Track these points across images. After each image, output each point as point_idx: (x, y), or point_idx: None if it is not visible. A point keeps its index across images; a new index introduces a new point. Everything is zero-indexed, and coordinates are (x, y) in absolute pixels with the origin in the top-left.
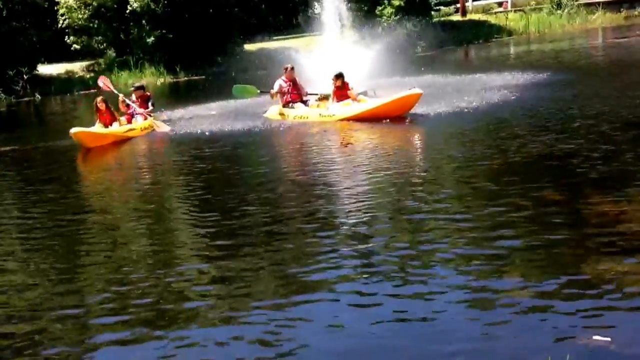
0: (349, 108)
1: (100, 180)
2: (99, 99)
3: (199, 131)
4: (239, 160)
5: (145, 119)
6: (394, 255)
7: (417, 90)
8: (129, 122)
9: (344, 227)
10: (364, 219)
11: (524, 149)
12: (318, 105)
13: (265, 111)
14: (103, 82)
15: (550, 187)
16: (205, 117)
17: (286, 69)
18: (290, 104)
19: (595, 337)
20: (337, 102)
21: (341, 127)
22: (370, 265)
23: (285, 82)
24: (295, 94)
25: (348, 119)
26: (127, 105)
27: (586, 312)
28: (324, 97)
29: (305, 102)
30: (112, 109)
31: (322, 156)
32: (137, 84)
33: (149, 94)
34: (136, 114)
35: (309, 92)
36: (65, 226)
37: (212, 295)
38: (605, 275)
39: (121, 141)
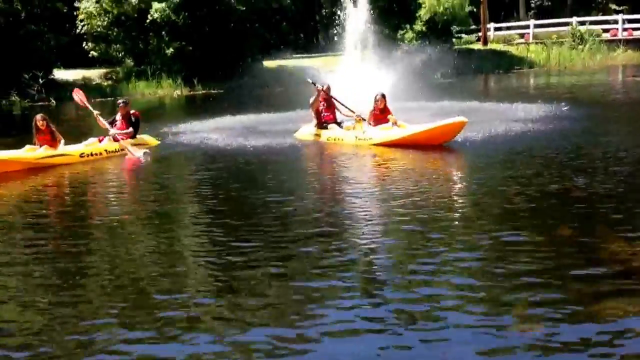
0: (388, 132)
1: (109, 189)
2: (38, 116)
3: (220, 145)
4: (257, 176)
5: (117, 140)
6: (404, 280)
7: (462, 118)
8: (100, 142)
9: (357, 248)
10: (377, 241)
11: (541, 182)
12: (354, 127)
13: (296, 130)
14: (78, 96)
15: (565, 222)
16: (226, 131)
17: (319, 90)
18: (325, 125)
19: None
20: (375, 125)
21: (375, 151)
22: (378, 285)
23: (320, 101)
24: (329, 114)
25: (385, 144)
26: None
27: (594, 349)
28: (360, 119)
29: (339, 124)
30: (54, 128)
31: (346, 178)
32: (121, 100)
33: (133, 112)
34: (109, 134)
35: (346, 107)
36: (73, 241)
37: (220, 310)
38: (616, 315)
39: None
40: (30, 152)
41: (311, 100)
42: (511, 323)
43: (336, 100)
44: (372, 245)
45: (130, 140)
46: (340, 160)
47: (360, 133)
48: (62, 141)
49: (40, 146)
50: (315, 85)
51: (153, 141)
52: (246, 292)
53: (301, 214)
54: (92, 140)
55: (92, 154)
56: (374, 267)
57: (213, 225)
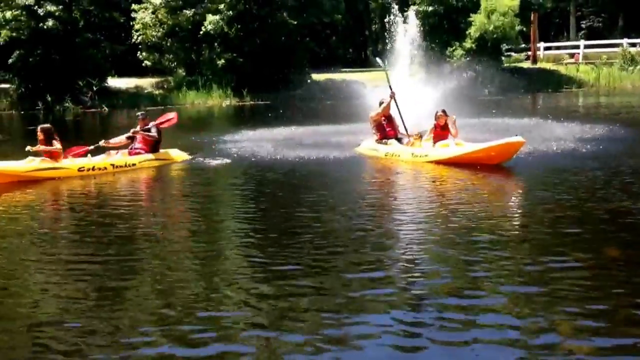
0: (445, 150)
1: (155, 197)
2: (40, 127)
3: (267, 156)
4: (304, 189)
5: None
6: (443, 300)
7: (519, 139)
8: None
9: (396, 267)
10: (418, 259)
11: (589, 203)
12: (412, 144)
13: (359, 144)
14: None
15: (612, 244)
16: (273, 142)
17: (381, 103)
18: (384, 140)
19: None
20: (435, 142)
21: (429, 169)
22: (416, 304)
23: (382, 117)
24: (390, 130)
25: (441, 162)
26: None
27: None
28: (419, 136)
29: (399, 140)
30: (56, 140)
31: (393, 195)
32: (140, 113)
33: (155, 122)
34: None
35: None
36: (113, 247)
37: (257, 321)
38: None
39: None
40: (25, 164)
41: (374, 113)
42: (555, 346)
43: (399, 112)
44: (412, 264)
45: (149, 156)
46: (391, 177)
47: (418, 150)
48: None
49: (39, 157)
50: (391, 90)
51: (181, 156)
52: (283, 307)
53: (342, 229)
54: (103, 156)
55: (93, 169)
56: (413, 285)
57: (255, 236)
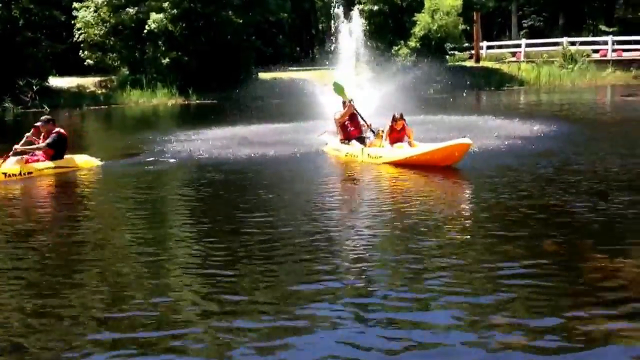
0: (399, 152)
1: (96, 199)
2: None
3: (212, 155)
4: (249, 188)
5: (28, 161)
6: (390, 290)
7: (467, 140)
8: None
9: (342, 261)
10: (363, 252)
11: (528, 199)
12: (372, 144)
13: (326, 144)
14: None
15: (550, 238)
16: (219, 141)
17: (344, 102)
18: (347, 140)
19: None
20: (392, 143)
21: (383, 170)
22: (365, 302)
23: (344, 119)
24: (354, 129)
25: (395, 163)
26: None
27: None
28: (380, 134)
29: (362, 139)
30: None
31: (341, 196)
32: (43, 118)
33: (57, 130)
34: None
35: (364, 120)
36: (60, 250)
37: (207, 320)
38: (597, 330)
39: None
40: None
41: (338, 115)
42: (496, 337)
43: (358, 114)
44: (358, 266)
45: (48, 163)
46: (340, 178)
47: (373, 151)
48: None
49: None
50: (348, 101)
51: (88, 163)
52: (230, 310)
53: (288, 230)
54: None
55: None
56: (359, 286)
57: (200, 235)
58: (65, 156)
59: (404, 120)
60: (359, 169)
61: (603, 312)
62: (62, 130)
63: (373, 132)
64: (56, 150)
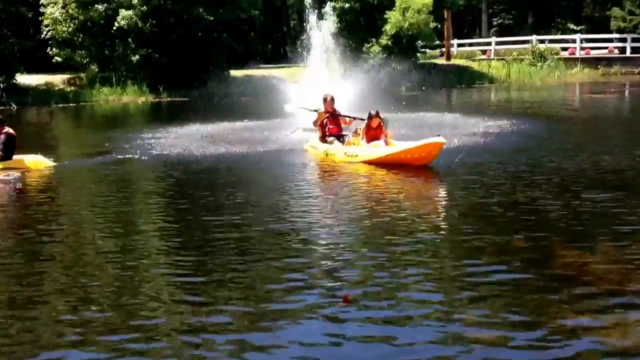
0: (373, 150)
1: (60, 200)
2: None
3: (183, 152)
4: (225, 186)
5: None
6: (362, 288)
7: (441, 139)
8: None
9: (314, 257)
10: (334, 252)
11: (498, 196)
12: (349, 143)
13: (307, 141)
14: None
15: (519, 235)
16: (189, 138)
17: (325, 99)
18: (327, 138)
19: None
20: (369, 141)
21: (357, 169)
22: (333, 301)
23: (324, 113)
24: (333, 127)
25: (371, 162)
26: None
27: (545, 352)
28: (357, 133)
29: (342, 137)
30: None
31: (314, 195)
32: None
33: (5, 130)
34: None
35: (349, 117)
36: (29, 248)
37: (176, 322)
38: (564, 324)
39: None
40: None
41: (313, 120)
42: (466, 332)
43: (340, 114)
44: (331, 265)
45: None
46: (313, 177)
47: (349, 149)
48: None
49: None
50: (315, 110)
51: (40, 163)
52: (203, 311)
53: (260, 229)
54: None
55: None
56: (333, 283)
57: (169, 235)
58: (15, 157)
59: (380, 117)
60: (332, 167)
61: (571, 306)
62: (10, 131)
63: (361, 119)
64: (4, 151)
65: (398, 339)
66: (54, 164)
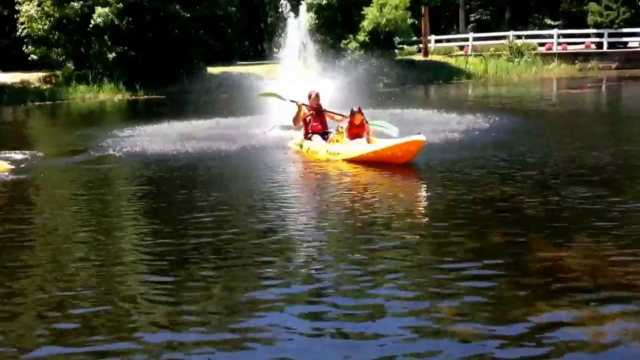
0: (354, 148)
1: (32, 200)
2: None
3: (174, 151)
4: (203, 184)
5: None
6: (342, 284)
7: (421, 137)
8: None
9: (292, 255)
10: (312, 251)
11: (475, 191)
12: (332, 140)
13: (292, 138)
14: None
15: (496, 230)
16: (165, 136)
17: (310, 95)
18: (310, 135)
19: None
20: (352, 139)
21: (338, 166)
22: (318, 289)
23: (309, 110)
24: (317, 124)
25: (352, 160)
26: None
27: (519, 351)
28: (341, 131)
29: (327, 134)
30: None
31: (291, 193)
32: None
33: None
34: None
35: (336, 113)
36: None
37: (152, 325)
38: (540, 318)
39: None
40: None
41: (293, 116)
42: (443, 327)
43: (327, 111)
44: (310, 263)
45: None
46: (291, 175)
47: (332, 147)
48: None
49: None
50: (294, 102)
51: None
52: (181, 310)
53: (238, 227)
54: None
55: None
56: (312, 282)
57: (144, 235)
58: None
59: (362, 114)
60: (312, 165)
61: (547, 301)
62: None
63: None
64: None
65: (374, 334)
66: (12, 167)
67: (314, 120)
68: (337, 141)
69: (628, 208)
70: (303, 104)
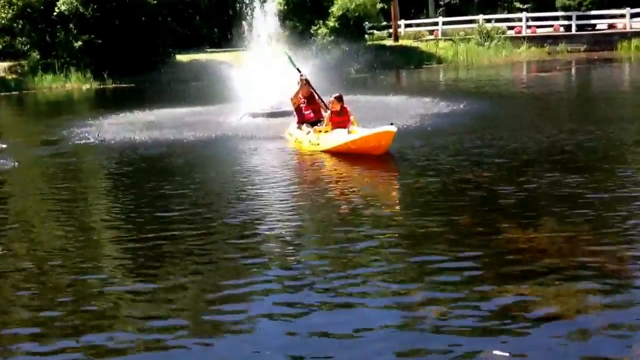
0: (332, 138)
1: (17, 190)
2: None
3: (144, 141)
4: (170, 173)
5: None
6: (320, 276)
7: (392, 128)
8: None
9: (271, 245)
10: (292, 237)
11: (446, 175)
12: (320, 131)
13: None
14: None
15: (466, 213)
16: (138, 125)
17: (302, 80)
18: (301, 124)
19: (495, 352)
20: (334, 129)
21: (316, 157)
22: (295, 279)
23: (301, 98)
24: (309, 113)
25: (329, 151)
26: None
27: (488, 329)
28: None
29: (319, 123)
30: None
31: (264, 183)
32: None
33: None
34: None
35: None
36: None
37: (131, 318)
38: (508, 297)
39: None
40: None
41: (293, 94)
42: (413, 308)
43: (316, 93)
44: (284, 252)
45: None
46: (264, 165)
47: (314, 138)
48: None
49: None
50: (299, 72)
51: None
52: (159, 299)
53: (213, 217)
54: None
55: None
56: (289, 273)
57: (118, 227)
58: None
59: (342, 102)
60: (288, 155)
61: (515, 280)
62: None
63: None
64: None
65: (350, 316)
66: None
67: (306, 108)
68: (326, 131)
69: (596, 189)
70: (301, 87)
